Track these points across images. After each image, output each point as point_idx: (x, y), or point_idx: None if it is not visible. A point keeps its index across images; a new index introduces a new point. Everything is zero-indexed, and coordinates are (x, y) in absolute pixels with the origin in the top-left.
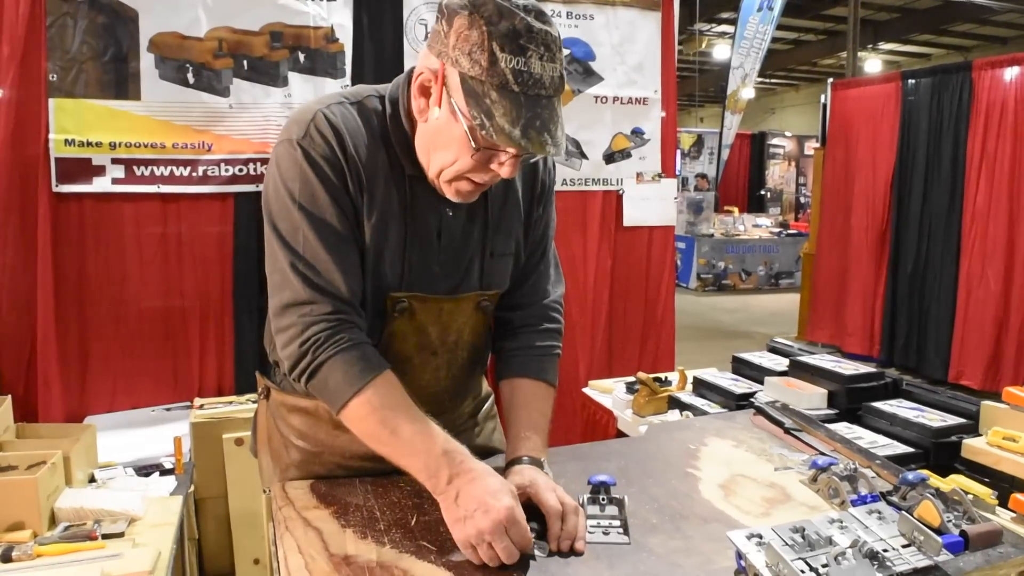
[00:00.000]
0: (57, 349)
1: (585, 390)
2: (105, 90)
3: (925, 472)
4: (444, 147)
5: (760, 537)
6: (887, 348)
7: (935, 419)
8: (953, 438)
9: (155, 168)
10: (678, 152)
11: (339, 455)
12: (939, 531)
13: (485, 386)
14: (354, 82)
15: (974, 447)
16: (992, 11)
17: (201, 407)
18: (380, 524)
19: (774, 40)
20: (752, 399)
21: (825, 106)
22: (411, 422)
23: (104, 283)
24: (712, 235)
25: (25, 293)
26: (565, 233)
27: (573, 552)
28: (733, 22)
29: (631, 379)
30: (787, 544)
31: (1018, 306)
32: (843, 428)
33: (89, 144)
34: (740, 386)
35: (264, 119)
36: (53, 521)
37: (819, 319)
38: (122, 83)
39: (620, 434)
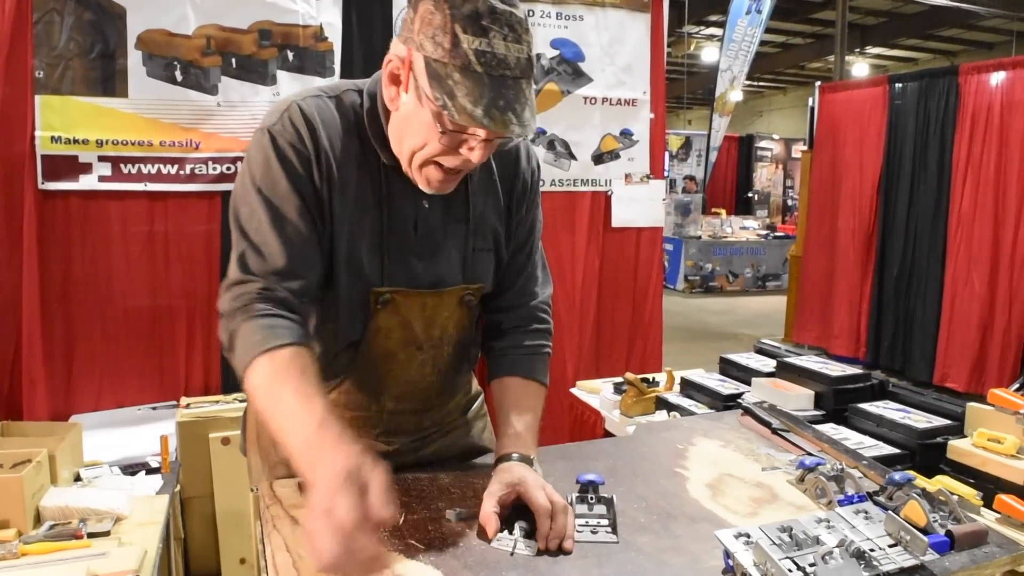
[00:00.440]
0: (42, 347)
1: (573, 390)
2: (92, 87)
3: (911, 473)
4: (413, 132)
5: (748, 536)
6: (873, 350)
7: (921, 420)
8: (939, 439)
9: (142, 166)
10: (666, 154)
11: None
12: (925, 531)
13: (475, 384)
14: None
15: (960, 448)
16: (978, 16)
17: (187, 406)
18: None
19: (762, 43)
20: (739, 400)
21: (813, 109)
22: (294, 393)
23: (90, 281)
24: (700, 237)
25: (10, 291)
26: (553, 233)
27: (561, 551)
28: (721, 25)
29: (619, 380)
30: (775, 543)
31: (1003, 309)
32: (829, 429)
33: (76, 141)
34: (727, 387)
35: (252, 117)
36: (38, 520)
37: (805, 321)
38: (109, 80)
39: (608, 435)
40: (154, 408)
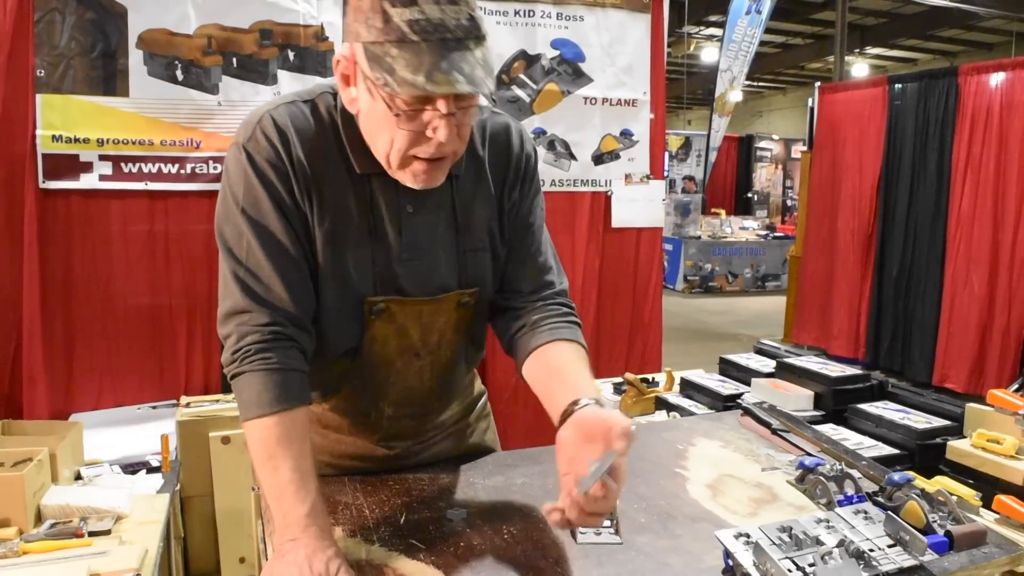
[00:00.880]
0: (43, 346)
1: None
2: (93, 86)
3: (911, 473)
4: (377, 130)
5: (748, 536)
6: (872, 351)
7: (920, 421)
8: (938, 440)
9: (143, 165)
10: (666, 154)
11: (328, 454)
12: (924, 531)
13: (478, 385)
14: None
15: (959, 449)
16: (978, 17)
17: (187, 405)
18: (369, 522)
19: (762, 43)
20: (739, 400)
21: (812, 110)
22: (293, 470)
23: (90, 280)
24: (699, 237)
25: (11, 289)
26: (553, 234)
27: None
28: (721, 25)
29: (619, 380)
30: (774, 543)
31: (1002, 310)
32: (829, 429)
33: (76, 140)
34: (727, 387)
35: None
36: (39, 518)
37: (805, 321)
38: (110, 79)
39: None
40: (154, 407)
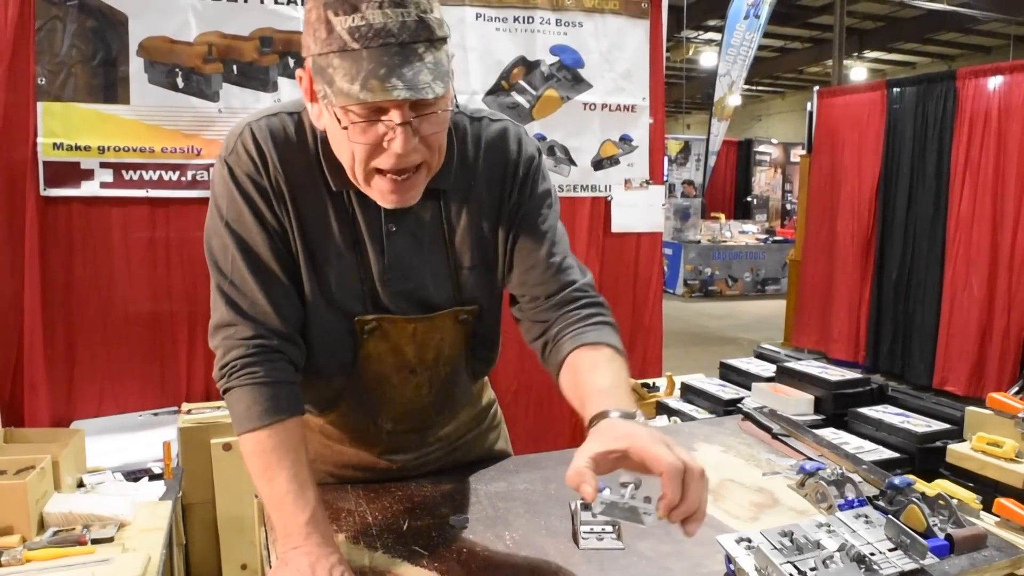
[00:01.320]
0: (44, 353)
1: None
2: (94, 94)
3: (911, 477)
4: (338, 146)
5: (749, 541)
6: (872, 354)
7: (920, 424)
8: (938, 443)
9: (144, 172)
10: (665, 158)
11: (330, 464)
12: (925, 535)
13: (488, 394)
14: None
15: (959, 452)
16: (976, 21)
17: (189, 412)
18: (372, 529)
19: (761, 48)
20: (740, 404)
21: (811, 113)
22: (290, 480)
23: (92, 287)
24: (699, 241)
25: (12, 297)
26: None
27: (684, 531)
28: (720, 29)
29: None
30: (776, 548)
31: (1002, 312)
32: (829, 433)
33: (77, 148)
34: (728, 392)
35: None
36: (42, 526)
37: (805, 325)
38: (111, 87)
39: None
40: (155, 414)
